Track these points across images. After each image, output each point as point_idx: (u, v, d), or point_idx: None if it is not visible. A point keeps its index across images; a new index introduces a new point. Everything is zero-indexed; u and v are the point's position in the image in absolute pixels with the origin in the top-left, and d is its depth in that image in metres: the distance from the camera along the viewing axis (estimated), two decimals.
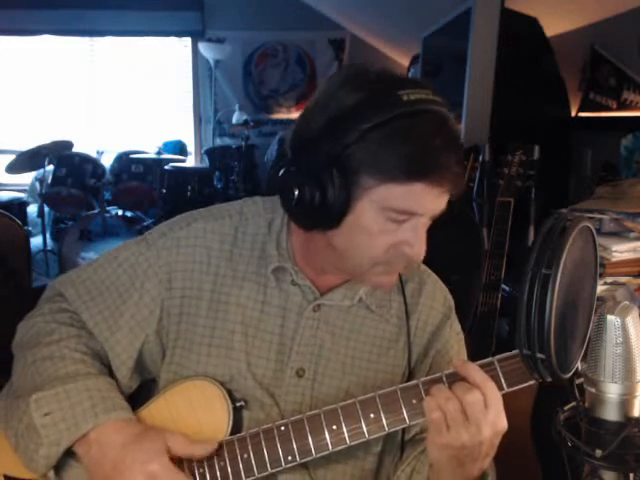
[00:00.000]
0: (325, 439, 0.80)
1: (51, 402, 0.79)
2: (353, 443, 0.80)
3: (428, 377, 0.82)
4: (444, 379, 0.81)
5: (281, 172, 0.82)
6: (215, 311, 0.90)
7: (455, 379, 0.80)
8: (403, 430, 0.92)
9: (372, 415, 0.80)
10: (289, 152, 0.84)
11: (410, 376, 0.94)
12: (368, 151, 0.75)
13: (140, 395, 0.95)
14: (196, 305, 0.90)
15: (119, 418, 0.81)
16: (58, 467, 0.81)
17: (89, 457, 0.79)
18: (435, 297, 0.98)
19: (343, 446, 0.80)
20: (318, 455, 0.80)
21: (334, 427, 0.80)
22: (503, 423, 0.78)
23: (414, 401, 0.80)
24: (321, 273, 0.91)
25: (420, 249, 0.81)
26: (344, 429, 0.80)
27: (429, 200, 0.78)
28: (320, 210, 0.78)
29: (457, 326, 1.00)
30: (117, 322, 0.89)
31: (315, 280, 0.91)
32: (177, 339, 0.90)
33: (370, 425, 0.80)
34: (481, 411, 0.76)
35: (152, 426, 0.84)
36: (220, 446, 0.82)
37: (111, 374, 0.89)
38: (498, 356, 0.82)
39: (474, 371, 0.79)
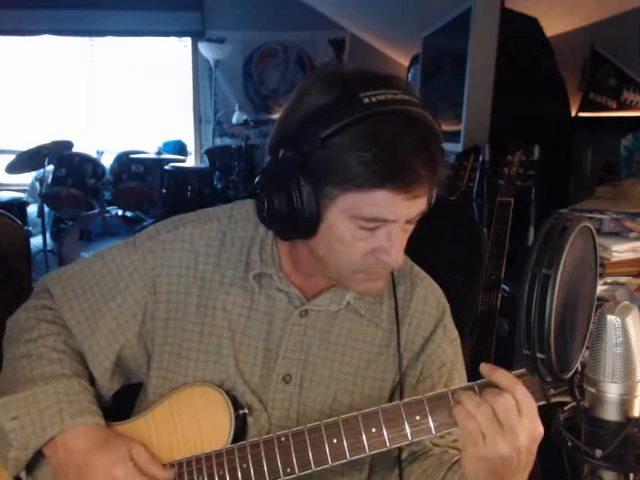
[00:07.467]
0: (325, 452, 0.77)
1: (20, 406, 0.80)
2: (354, 458, 0.77)
3: (433, 393, 0.78)
4: (449, 395, 0.77)
5: (256, 179, 0.80)
6: (203, 316, 0.89)
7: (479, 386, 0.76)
8: (399, 448, 0.88)
9: (374, 430, 0.77)
10: (267, 156, 0.81)
11: (401, 382, 0.91)
12: (330, 159, 0.72)
13: (132, 400, 0.95)
14: (183, 310, 0.89)
15: (85, 423, 0.81)
16: (32, 466, 0.83)
17: (56, 460, 0.81)
18: (427, 301, 0.94)
19: (343, 460, 0.78)
20: (317, 469, 0.78)
21: (334, 440, 0.77)
22: (539, 428, 0.73)
23: (417, 417, 0.77)
24: (309, 277, 0.89)
25: (397, 256, 0.77)
26: (344, 443, 0.77)
27: (398, 206, 0.74)
28: (291, 221, 0.76)
29: (452, 330, 0.96)
30: (97, 322, 0.89)
31: (303, 284, 0.89)
32: (164, 344, 0.90)
33: (371, 440, 0.77)
34: (515, 416, 0.71)
35: (137, 432, 0.85)
36: (219, 454, 0.81)
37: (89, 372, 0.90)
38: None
39: (502, 376, 0.73)
